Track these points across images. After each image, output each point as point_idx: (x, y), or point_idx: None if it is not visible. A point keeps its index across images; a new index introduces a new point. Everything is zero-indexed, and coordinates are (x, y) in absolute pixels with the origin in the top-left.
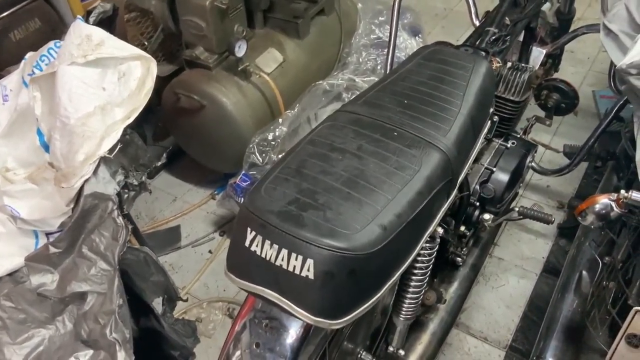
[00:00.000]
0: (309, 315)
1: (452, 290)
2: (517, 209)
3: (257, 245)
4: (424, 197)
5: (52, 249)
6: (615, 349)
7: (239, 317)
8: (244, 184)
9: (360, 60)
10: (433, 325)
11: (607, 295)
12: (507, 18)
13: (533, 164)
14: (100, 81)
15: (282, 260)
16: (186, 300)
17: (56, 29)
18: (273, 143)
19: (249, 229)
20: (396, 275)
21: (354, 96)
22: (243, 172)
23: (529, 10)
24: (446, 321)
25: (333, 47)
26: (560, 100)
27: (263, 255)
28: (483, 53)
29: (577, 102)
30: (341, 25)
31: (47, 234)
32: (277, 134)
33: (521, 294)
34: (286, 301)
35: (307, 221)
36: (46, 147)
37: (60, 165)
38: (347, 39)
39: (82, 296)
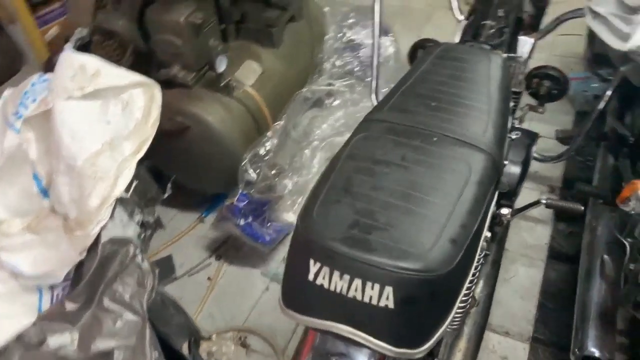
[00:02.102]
0: (390, 347)
1: (479, 291)
2: (543, 201)
3: (323, 278)
4: (481, 203)
5: (69, 305)
6: None
7: (300, 356)
8: (242, 204)
9: (337, 64)
10: (468, 330)
11: None
12: (499, 10)
13: (535, 153)
14: (103, 114)
15: (356, 291)
16: (209, 339)
17: (15, 60)
18: (266, 158)
19: (311, 261)
20: (465, 289)
21: (372, 104)
22: (240, 191)
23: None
24: (480, 324)
25: (307, 53)
26: (552, 87)
27: (332, 288)
28: (488, 47)
29: (568, 87)
30: (312, 30)
31: (52, 287)
32: (268, 147)
33: (533, 282)
34: (364, 335)
35: (375, 245)
36: (44, 193)
37: (71, 212)
38: (319, 44)
39: (108, 355)
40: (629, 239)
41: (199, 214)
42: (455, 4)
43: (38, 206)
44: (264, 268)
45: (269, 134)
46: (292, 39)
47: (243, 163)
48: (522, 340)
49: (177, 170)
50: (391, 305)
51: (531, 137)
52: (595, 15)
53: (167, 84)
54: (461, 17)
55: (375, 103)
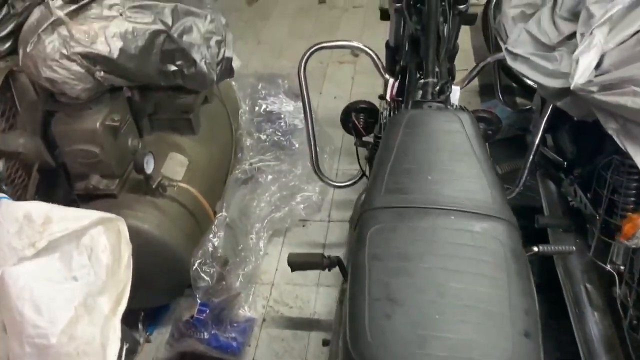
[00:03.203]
0: None
1: None
2: (535, 249)
3: None
4: (528, 278)
5: None
6: None
7: None
8: (203, 315)
9: (262, 138)
10: None
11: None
12: (435, 65)
13: None
14: (67, 270)
15: None
16: None
17: None
18: (219, 254)
19: None
20: None
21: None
22: (199, 302)
23: (449, 53)
24: None
25: (226, 132)
26: (487, 129)
27: None
28: (441, 105)
29: (501, 126)
30: (226, 108)
31: None
32: (216, 243)
33: None
34: None
35: None
36: None
37: None
38: (235, 120)
39: None
40: (609, 267)
41: (144, 333)
42: (379, 63)
43: None
44: None
45: (214, 228)
46: (209, 121)
47: (194, 267)
48: None
49: None
50: None
51: None
52: (515, 56)
53: (86, 198)
54: (387, 76)
55: (318, 174)
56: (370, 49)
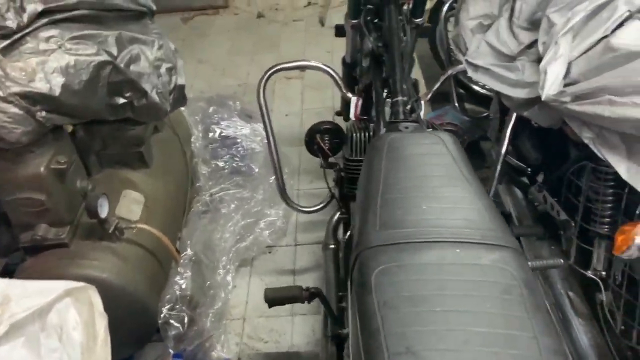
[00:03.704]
0: None
1: None
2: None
3: None
4: (547, 310)
5: None
6: None
7: None
8: None
9: (221, 164)
10: None
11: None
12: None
13: None
14: (35, 357)
15: None
16: None
17: None
18: (188, 297)
19: None
20: None
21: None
22: (171, 352)
23: (408, 68)
24: None
25: (180, 161)
26: None
27: None
28: (416, 125)
29: (466, 138)
30: (178, 136)
31: None
32: (183, 285)
33: None
34: None
35: None
36: None
37: None
38: (188, 148)
39: None
40: (591, 273)
41: None
42: (340, 81)
43: None
44: None
45: (180, 269)
46: (162, 151)
47: (162, 315)
48: None
49: None
50: None
51: None
52: (476, 67)
53: (34, 249)
54: (350, 95)
55: (287, 201)
56: (330, 68)
